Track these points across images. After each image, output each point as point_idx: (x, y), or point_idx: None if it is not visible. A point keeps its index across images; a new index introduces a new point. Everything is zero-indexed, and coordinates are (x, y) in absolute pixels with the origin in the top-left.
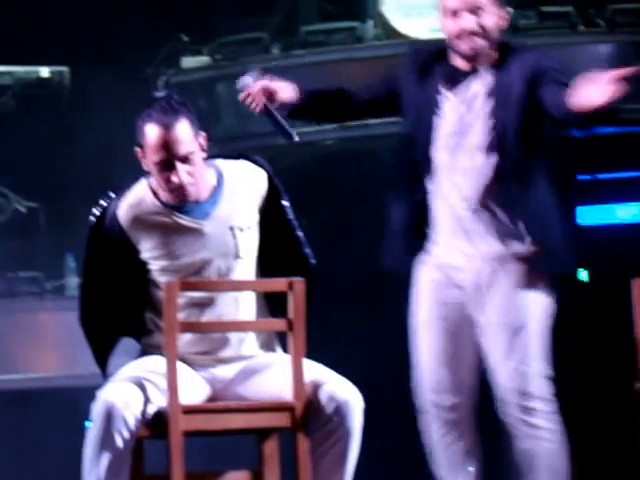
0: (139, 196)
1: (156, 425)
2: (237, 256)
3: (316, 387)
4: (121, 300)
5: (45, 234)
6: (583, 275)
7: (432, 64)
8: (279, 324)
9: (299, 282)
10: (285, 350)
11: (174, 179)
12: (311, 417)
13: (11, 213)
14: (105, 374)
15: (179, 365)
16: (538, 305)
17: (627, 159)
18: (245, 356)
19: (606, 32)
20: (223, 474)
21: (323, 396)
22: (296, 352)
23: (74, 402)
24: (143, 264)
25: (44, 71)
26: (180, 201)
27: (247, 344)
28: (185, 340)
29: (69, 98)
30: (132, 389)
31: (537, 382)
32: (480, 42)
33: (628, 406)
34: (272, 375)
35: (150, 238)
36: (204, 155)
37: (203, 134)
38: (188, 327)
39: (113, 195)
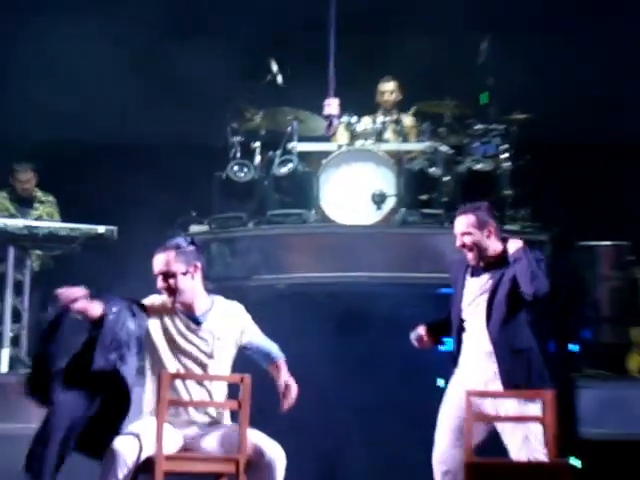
0: (163, 298)
1: (147, 466)
2: (211, 356)
3: (254, 447)
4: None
5: None
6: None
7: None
8: (233, 404)
9: (247, 377)
10: (234, 419)
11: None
12: (250, 467)
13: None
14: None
15: (165, 426)
16: None
17: None
18: (208, 422)
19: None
20: None
21: (258, 453)
22: (243, 422)
23: None
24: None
25: (101, 229)
26: (182, 308)
27: (210, 414)
28: (170, 409)
29: (117, 247)
30: (133, 441)
31: None
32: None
33: None
34: (225, 437)
35: (159, 323)
36: (192, 279)
37: (193, 267)
38: (173, 403)
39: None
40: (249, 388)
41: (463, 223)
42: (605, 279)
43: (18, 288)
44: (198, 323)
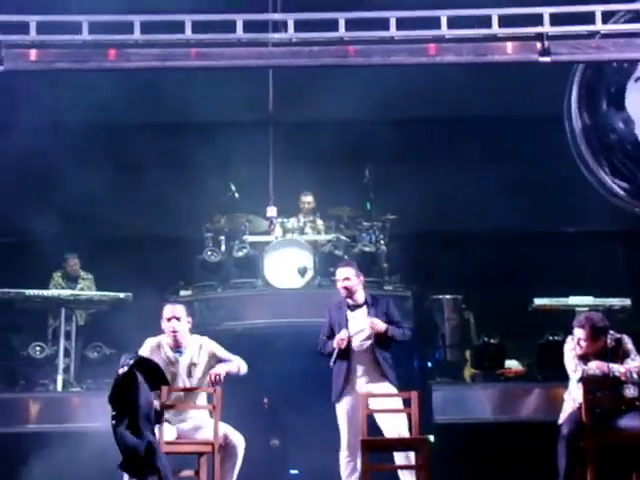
0: (158, 339)
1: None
2: (191, 375)
3: (224, 435)
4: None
5: None
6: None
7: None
8: (209, 406)
9: (219, 389)
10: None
11: (169, 328)
12: (221, 448)
13: None
14: None
15: (165, 424)
16: None
17: None
18: (193, 419)
19: None
20: (180, 472)
21: (226, 439)
22: (216, 419)
23: None
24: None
25: (121, 295)
26: (174, 344)
27: (195, 414)
28: (168, 413)
29: (132, 307)
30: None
31: None
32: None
33: None
34: (204, 428)
35: (158, 360)
36: (189, 324)
37: (189, 318)
38: (168, 407)
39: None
40: (220, 396)
41: (344, 272)
42: (448, 320)
43: (67, 335)
44: (181, 354)
